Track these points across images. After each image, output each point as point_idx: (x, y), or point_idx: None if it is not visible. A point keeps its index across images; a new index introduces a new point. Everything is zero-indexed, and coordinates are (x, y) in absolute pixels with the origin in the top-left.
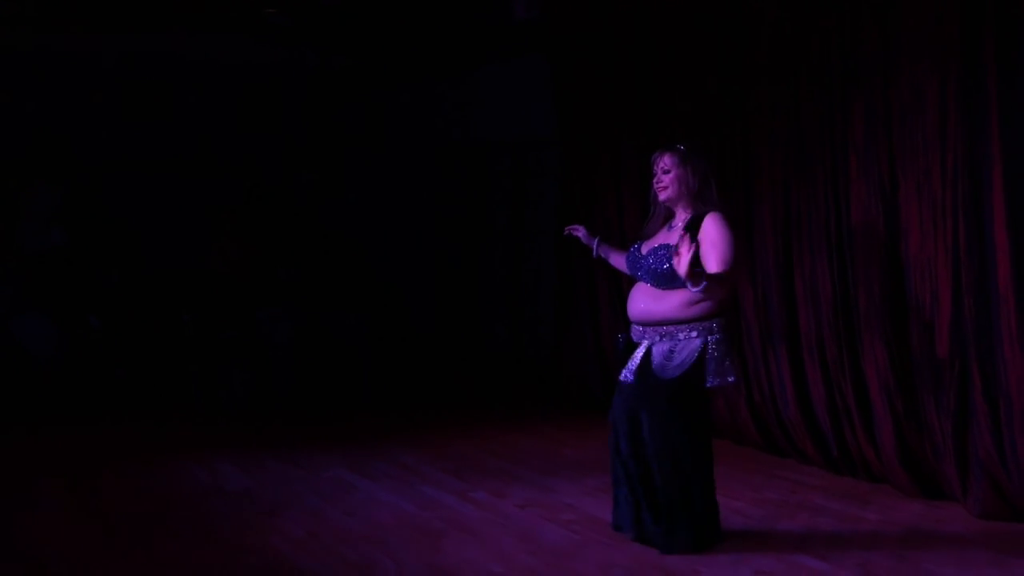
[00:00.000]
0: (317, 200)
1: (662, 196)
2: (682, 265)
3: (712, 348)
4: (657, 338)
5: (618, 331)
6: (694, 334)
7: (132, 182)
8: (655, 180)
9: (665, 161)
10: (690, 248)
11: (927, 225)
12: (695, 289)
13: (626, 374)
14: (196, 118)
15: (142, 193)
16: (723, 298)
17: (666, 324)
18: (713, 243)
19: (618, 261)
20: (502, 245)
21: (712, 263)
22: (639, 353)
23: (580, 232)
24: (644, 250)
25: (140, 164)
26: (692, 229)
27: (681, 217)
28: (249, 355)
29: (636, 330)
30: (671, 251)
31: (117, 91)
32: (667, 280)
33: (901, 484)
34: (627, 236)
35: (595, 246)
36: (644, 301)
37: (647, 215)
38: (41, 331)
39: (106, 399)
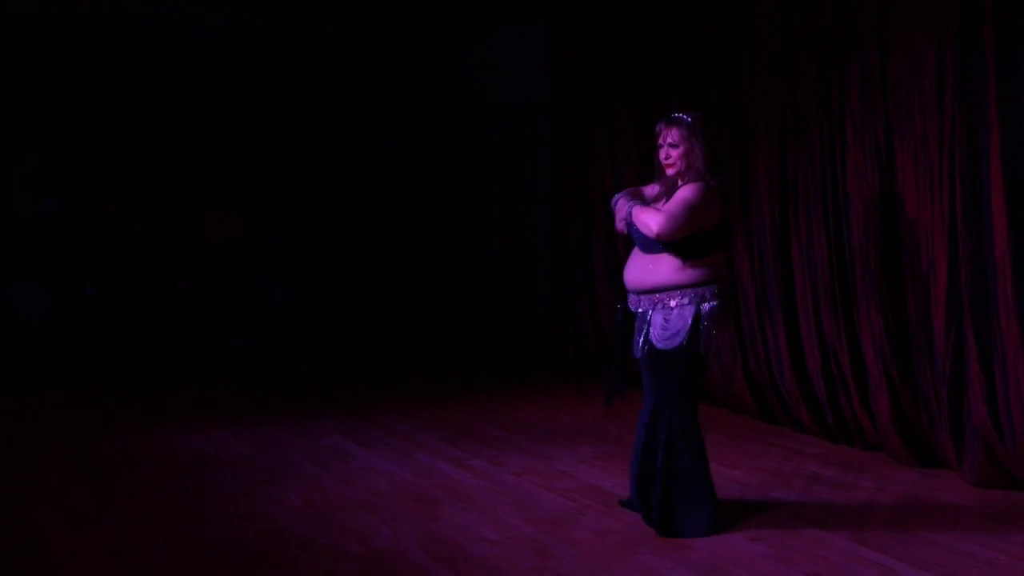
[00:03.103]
0: (311, 166)
1: (670, 172)
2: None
3: (705, 317)
4: (651, 307)
5: (614, 298)
6: (686, 300)
7: (126, 149)
8: (662, 153)
9: (672, 135)
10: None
11: (923, 192)
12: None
13: (636, 350)
14: (190, 84)
15: (136, 160)
16: (714, 263)
17: (658, 291)
18: (673, 199)
19: None
20: (498, 211)
21: (662, 212)
22: (644, 325)
23: None
24: None
25: (134, 131)
26: None
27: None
28: (244, 322)
29: (632, 299)
30: None
31: (111, 57)
32: (649, 243)
33: (896, 452)
34: None
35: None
36: (638, 268)
37: (643, 181)
38: (35, 298)
39: (101, 367)
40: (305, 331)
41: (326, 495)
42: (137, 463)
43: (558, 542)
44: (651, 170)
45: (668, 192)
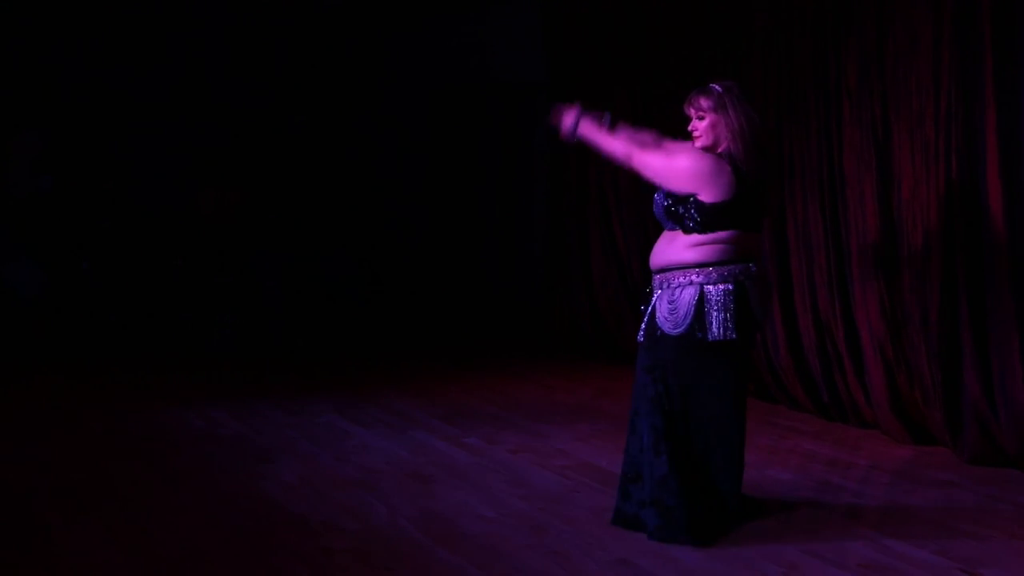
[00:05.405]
0: (308, 143)
1: (697, 144)
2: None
3: (713, 297)
4: (659, 288)
5: (609, 277)
6: (689, 279)
7: (122, 126)
8: (691, 125)
9: (700, 104)
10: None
11: (919, 169)
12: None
13: (640, 334)
14: (186, 61)
15: (132, 138)
16: (728, 241)
17: (667, 270)
18: (674, 147)
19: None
20: (494, 188)
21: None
22: (648, 308)
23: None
24: None
25: (130, 108)
26: None
27: None
28: (241, 300)
29: (654, 280)
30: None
31: (105, 34)
32: (666, 216)
33: (891, 430)
34: (619, 179)
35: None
36: (658, 246)
37: None
38: (31, 276)
39: (97, 345)
40: (300, 310)
41: (322, 473)
42: (132, 441)
43: (553, 519)
44: None
45: None
